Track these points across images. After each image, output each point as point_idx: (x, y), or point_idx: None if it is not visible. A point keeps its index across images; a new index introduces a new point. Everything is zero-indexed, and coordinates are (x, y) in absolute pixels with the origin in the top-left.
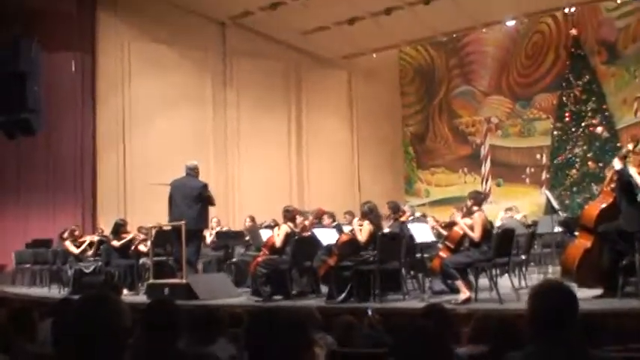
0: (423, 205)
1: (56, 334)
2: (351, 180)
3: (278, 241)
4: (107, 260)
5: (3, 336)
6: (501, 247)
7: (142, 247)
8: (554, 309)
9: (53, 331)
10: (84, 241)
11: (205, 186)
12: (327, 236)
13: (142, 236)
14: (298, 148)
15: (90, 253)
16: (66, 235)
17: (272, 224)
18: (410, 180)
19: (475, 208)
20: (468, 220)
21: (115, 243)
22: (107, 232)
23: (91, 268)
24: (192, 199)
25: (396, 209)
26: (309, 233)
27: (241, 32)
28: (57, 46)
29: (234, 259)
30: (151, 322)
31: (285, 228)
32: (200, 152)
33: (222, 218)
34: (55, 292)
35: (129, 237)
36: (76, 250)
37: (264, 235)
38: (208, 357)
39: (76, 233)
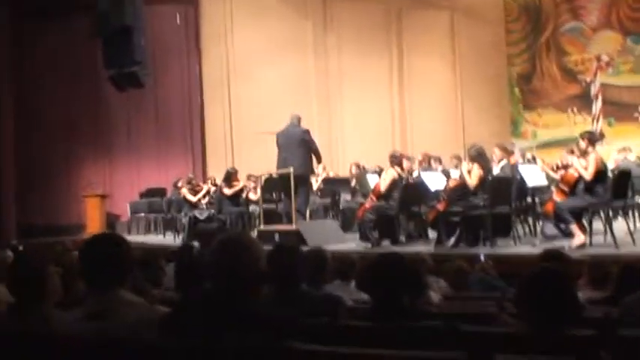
0: (531, 147)
1: (181, 278)
2: (455, 122)
3: (383, 186)
4: (219, 208)
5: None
6: (618, 189)
7: (252, 196)
8: None
9: (177, 275)
10: (201, 189)
11: (307, 131)
12: (435, 181)
13: (252, 185)
14: (400, 91)
15: (203, 201)
16: (181, 183)
17: (377, 170)
18: (516, 121)
19: (590, 149)
20: (582, 162)
21: (227, 191)
22: (217, 180)
23: (205, 215)
24: (295, 145)
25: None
26: (417, 178)
27: None
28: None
29: (340, 206)
30: (276, 266)
31: (391, 173)
32: (303, 98)
33: (326, 164)
34: (170, 239)
35: (240, 185)
36: (193, 198)
37: (371, 181)
38: (334, 298)
39: (193, 182)
